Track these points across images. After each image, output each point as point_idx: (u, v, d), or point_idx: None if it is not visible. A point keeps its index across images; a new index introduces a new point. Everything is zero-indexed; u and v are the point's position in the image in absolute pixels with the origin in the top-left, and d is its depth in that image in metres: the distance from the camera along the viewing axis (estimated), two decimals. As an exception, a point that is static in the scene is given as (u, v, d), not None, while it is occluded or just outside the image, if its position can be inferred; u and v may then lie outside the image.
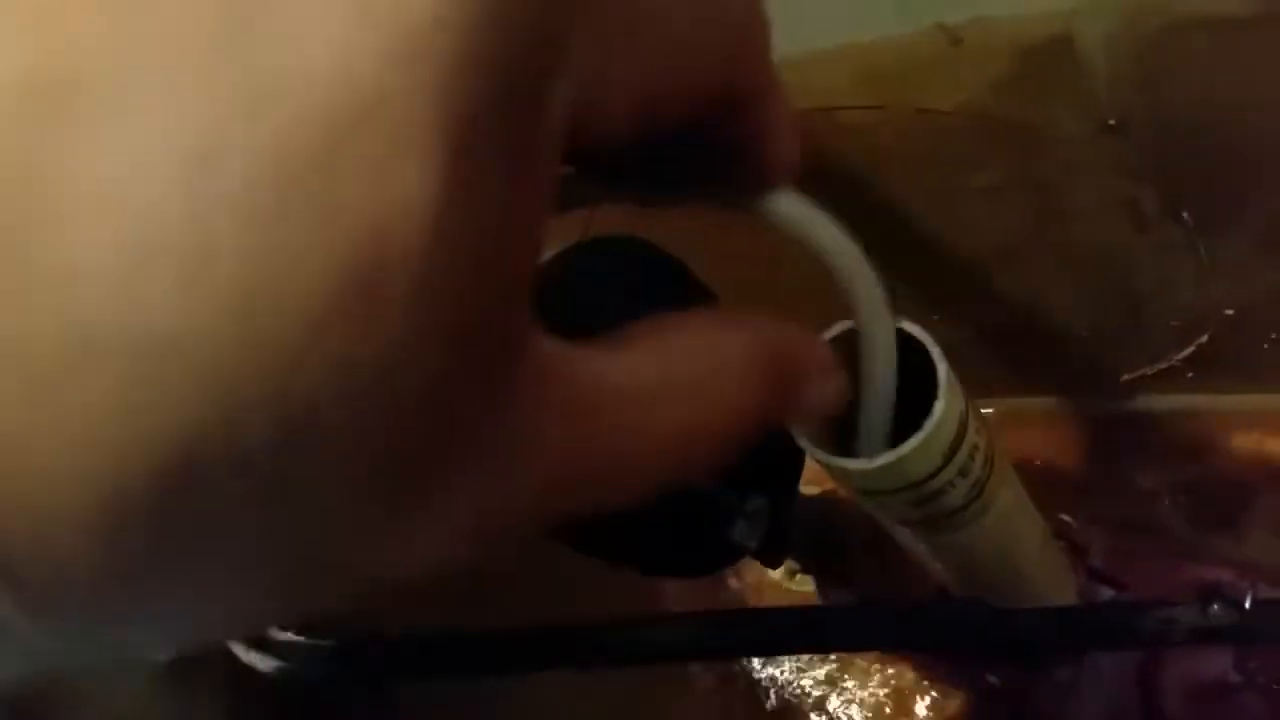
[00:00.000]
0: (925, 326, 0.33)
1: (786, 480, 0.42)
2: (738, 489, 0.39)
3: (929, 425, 0.32)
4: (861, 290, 0.30)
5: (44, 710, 0.33)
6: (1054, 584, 0.48)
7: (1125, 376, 0.55)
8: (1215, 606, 0.38)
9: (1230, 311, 0.48)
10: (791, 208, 0.26)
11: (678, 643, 0.33)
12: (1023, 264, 0.49)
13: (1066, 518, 0.57)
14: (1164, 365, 0.53)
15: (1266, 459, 0.55)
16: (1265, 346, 0.50)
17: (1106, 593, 0.54)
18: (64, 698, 0.34)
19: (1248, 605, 0.38)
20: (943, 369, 0.33)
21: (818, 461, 0.34)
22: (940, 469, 0.34)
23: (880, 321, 0.31)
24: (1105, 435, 0.59)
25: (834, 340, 0.35)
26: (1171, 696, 0.52)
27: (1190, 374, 0.53)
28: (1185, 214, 0.43)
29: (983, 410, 0.60)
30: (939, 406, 0.32)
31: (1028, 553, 0.43)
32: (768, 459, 0.34)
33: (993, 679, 0.55)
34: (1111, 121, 0.40)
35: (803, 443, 0.34)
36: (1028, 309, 0.52)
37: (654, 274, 0.42)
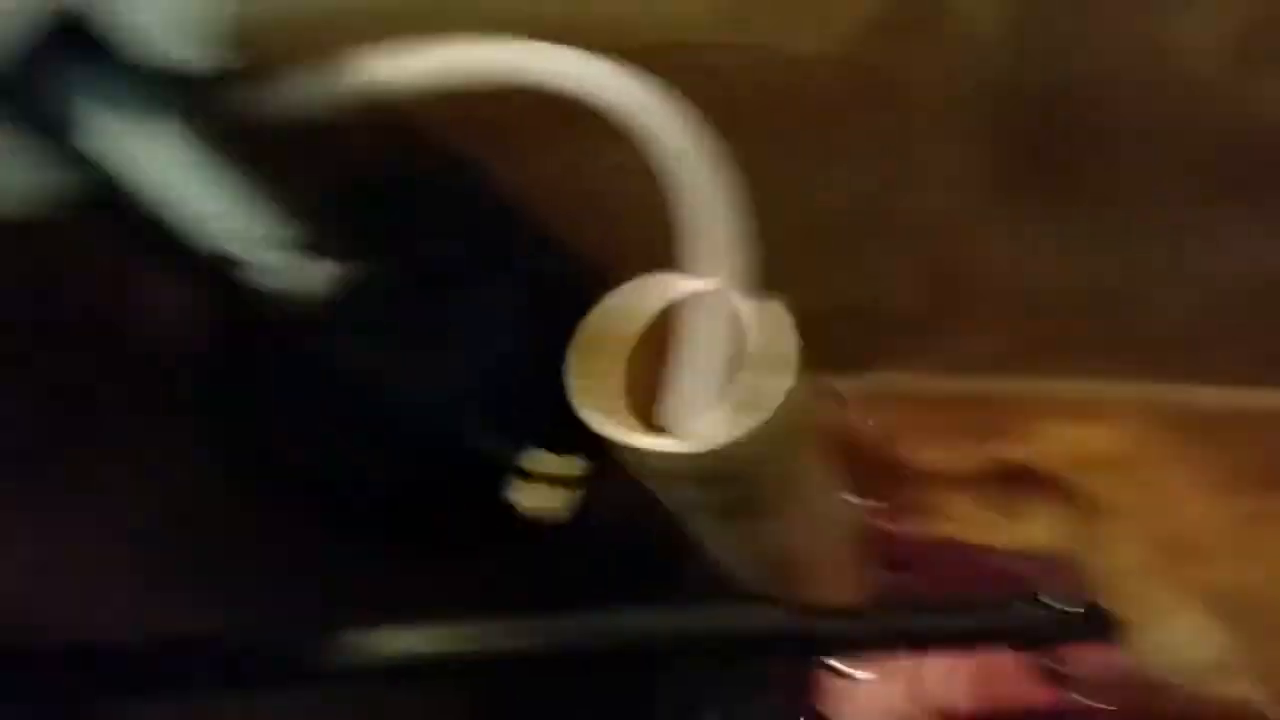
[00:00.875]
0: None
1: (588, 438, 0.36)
2: (516, 442, 0.33)
3: (769, 406, 0.28)
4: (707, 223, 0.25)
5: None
6: (851, 576, 0.45)
7: (946, 356, 0.53)
8: (1017, 606, 0.37)
9: (1057, 295, 0.46)
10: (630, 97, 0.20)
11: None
12: (870, 229, 0.45)
13: (865, 501, 0.54)
14: (988, 347, 0.51)
15: (1068, 451, 0.54)
16: (1085, 334, 0.49)
17: (904, 578, 0.52)
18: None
19: (1050, 604, 0.36)
20: (791, 344, 0.28)
21: (611, 439, 0.29)
22: (759, 455, 0.30)
23: (724, 270, 0.26)
24: (922, 416, 0.56)
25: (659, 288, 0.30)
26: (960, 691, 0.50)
27: (1008, 360, 0.52)
28: (1035, 186, 0.40)
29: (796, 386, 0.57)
30: (782, 385, 0.28)
31: (828, 541, 0.40)
32: (560, 412, 0.28)
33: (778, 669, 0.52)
34: (976, 81, 0.37)
35: (590, 418, 0.28)
36: (866, 279, 0.49)
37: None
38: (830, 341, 0.52)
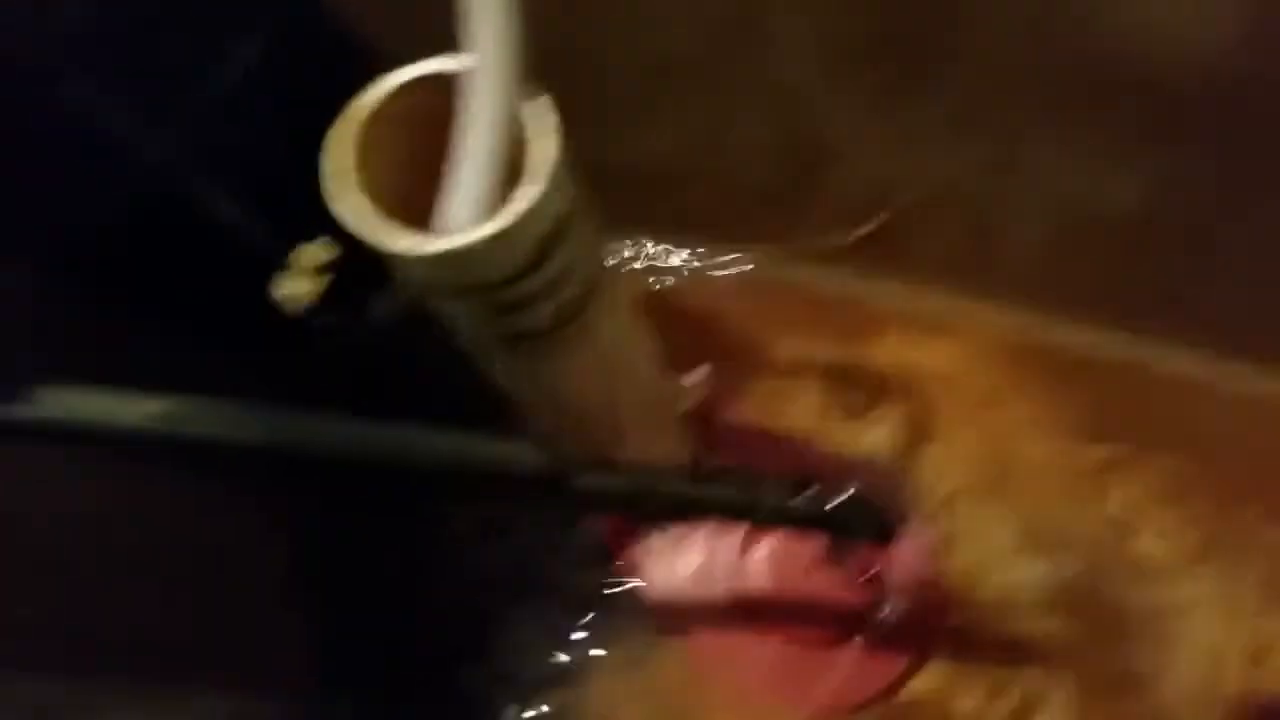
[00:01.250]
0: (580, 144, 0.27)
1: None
2: (290, 230, 0.31)
3: (512, 211, 0.26)
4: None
5: None
6: (658, 444, 0.44)
7: (794, 244, 0.51)
8: (804, 495, 0.36)
9: (914, 196, 0.45)
10: None
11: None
12: (711, 84, 0.43)
13: (696, 380, 0.53)
14: (836, 241, 0.50)
15: (908, 364, 0.54)
16: (937, 246, 0.48)
17: (724, 462, 0.52)
18: None
19: (832, 505, 0.36)
20: (552, 148, 0.27)
21: (364, 241, 0.27)
22: (523, 274, 0.28)
23: (500, 58, 0.24)
24: (762, 300, 0.55)
25: (434, 79, 0.28)
26: (759, 568, 0.50)
27: (859, 257, 0.50)
28: (887, 67, 0.38)
29: (627, 248, 0.56)
30: (530, 192, 0.26)
31: (629, 402, 0.39)
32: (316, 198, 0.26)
33: (585, 526, 0.52)
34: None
35: (342, 212, 0.26)
36: (705, 141, 0.47)
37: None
38: (682, 205, 0.51)
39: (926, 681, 0.50)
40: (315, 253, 0.30)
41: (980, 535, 0.52)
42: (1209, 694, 0.48)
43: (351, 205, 0.26)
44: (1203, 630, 0.49)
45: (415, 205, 0.27)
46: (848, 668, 0.49)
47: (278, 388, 0.33)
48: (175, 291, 0.30)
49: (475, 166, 0.26)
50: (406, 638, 0.51)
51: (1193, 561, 0.50)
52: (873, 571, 0.49)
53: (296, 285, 0.30)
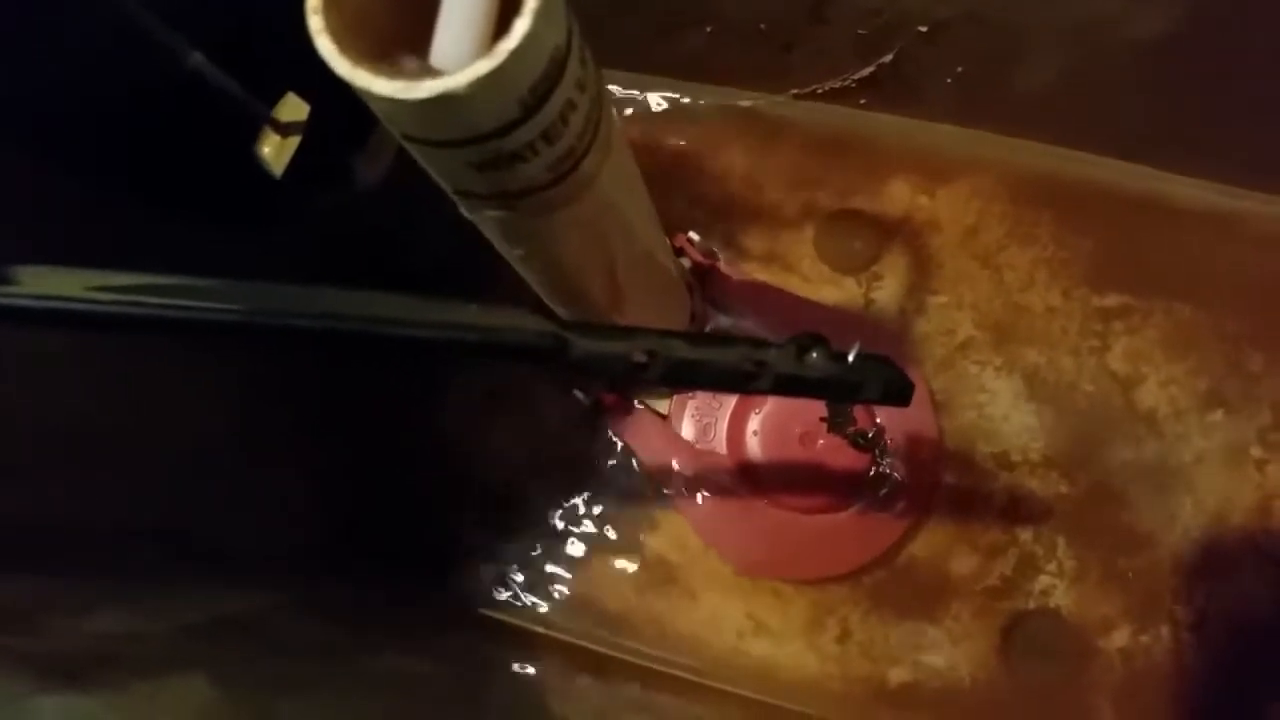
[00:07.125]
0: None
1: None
2: (266, 92, 0.28)
3: (501, 51, 0.23)
4: None
5: None
6: (658, 306, 0.42)
7: (795, 90, 0.48)
8: (814, 355, 0.34)
9: (924, 29, 0.42)
10: None
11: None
12: None
13: (694, 235, 0.51)
14: (839, 82, 0.47)
15: (913, 212, 0.51)
16: (948, 81, 0.45)
17: (723, 321, 0.50)
18: None
19: (850, 358, 0.34)
20: None
21: (349, 83, 0.24)
22: (517, 123, 0.25)
23: None
24: (761, 147, 0.52)
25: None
26: (755, 437, 0.49)
27: (863, 99, 0.47)
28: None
29: (620, 93, 0.53)
30: (520, 26, 0.23)
31: (628, 262, 0.36)
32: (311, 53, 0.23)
33: (580, 394, 0.50)
34: None
35: (321, 44, 0.23)
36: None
37: None
38: (678, 45, 0.47)
39: (924, 544, 0.49)
40: (289, 109, 0.27)
41: (981, 391, 0.50)
42: (1214, 547, 0.48)
43: (337, 43, 0.23)
44: (1208, 483, 0.49)
45: (407, 49, 0.24)
46: (845, 533, 0.48)
47: (265, 260, 0.30)
48: (157, 163, 0.27)
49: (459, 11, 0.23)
50: (400, 513, 0.50)
51: (1198, 412, 0.49)
52: (870, 434, 0.48)
53: (275, 142, 0.27)
